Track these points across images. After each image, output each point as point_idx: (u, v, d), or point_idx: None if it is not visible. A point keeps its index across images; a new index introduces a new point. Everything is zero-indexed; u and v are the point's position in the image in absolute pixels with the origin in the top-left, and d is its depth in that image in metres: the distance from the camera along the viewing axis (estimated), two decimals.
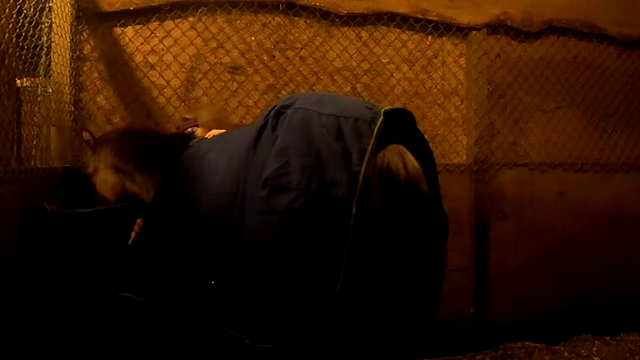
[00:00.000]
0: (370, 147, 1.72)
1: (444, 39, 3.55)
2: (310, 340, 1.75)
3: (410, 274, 1.81)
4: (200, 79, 3.19)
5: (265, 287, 1.80)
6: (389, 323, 1.83)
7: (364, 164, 1.70)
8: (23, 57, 2.36)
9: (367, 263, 1.74)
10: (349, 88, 3.39)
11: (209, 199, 2.07)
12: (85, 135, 2.71)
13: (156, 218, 2.37)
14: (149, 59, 3.12)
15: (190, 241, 2.14)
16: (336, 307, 1.69)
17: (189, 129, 2.77)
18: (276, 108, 1.94)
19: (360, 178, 1.69)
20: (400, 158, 1.77)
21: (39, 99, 2.61)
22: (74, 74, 2.99)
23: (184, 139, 2.59)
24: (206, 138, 2.52)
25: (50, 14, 2.70)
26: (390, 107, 1.85)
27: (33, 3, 2.44)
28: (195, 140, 2.50)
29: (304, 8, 3.27)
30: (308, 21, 3.32)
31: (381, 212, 1.75)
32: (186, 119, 2.84)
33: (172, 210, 2.26)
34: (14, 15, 2.09)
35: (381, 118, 1.77)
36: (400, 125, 1.88)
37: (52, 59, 2.75)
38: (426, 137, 1.98)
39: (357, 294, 1.74)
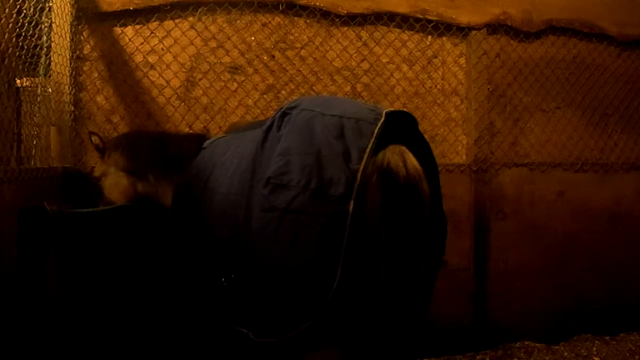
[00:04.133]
0: (369, 146, 1.75)
1: (444, 38, 3.55)
2: (310, 334, 1.78)
3: (405, 272, 1.82)
4: (200, 79, 3.19)
5: (268, 283, 1.83)
6: (384, 322, 1.84)
7: (363, 162, 1.73)
8: (23, 57, 2.36)
9: (365, 260, 1.76)
10: (348, 88, 3.39)
11: (220, 199, 2.11)
12: (95, 139, 2.71)
13: (174, 219, 2.42)
14: (148, 58, 3.12)
15: (204, 241, 2.17)
16: (334, 302, 1.72)
17: None
18: (282, 110, 1.99)
19: (359, 176, 1.72)
20: (400, 157, 1.79)
21: (39, 98, 2.61)
22: (73, 73, 2.99)
23: (199, 139, 2.61)
24: (220, 138, 2.54)
25: (50, 14, 2.71)
26: (393, 109, 1.88)
27: (33, 3, 2.45)
28: (209, 141, 2.53)
29: (303, 8, 3.27)
30: (308, 21, 3.32)
31: (380, 209, 1.76)
32: None
33: (189, 212, 2.30)
34: (14, 15, 2.10)
35: (382, 119, 1.80)
36: (403, 127, 1.91)
37: (52, 59, 2.76)
38: (426, 137, 2.01)
39: (355, 290, 1.76)
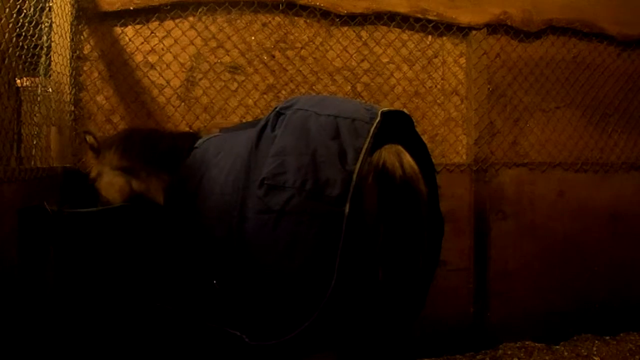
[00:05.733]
0: (365, 146, 1.74)
1: (444, 38, 3.55)
2: (307, 337, 1.76)
3: (403, 273, 1.81)
4: (200, 79, 3.18)
5: (263, 286, 1.82)
6: (380, 321, 1.83)
7: (359, 163, 1.72)
8: (23, 56, 2.36)
9: (361, 261, 1.75)
10: (349, 88, 3.39)
11: (214, 200, 2.09)
12: (89, 138, 2.70)
13: (167, 220, 2.40)
14: (149, 58, 3.12)
15: (198, 242, 2.15)
16: (331, 304, 1.70)
17: None
18: (277, 109, 1.97)
19: (354, 177, 1.70)
20: (396, 157, 1.78)
21: (39, 98, 2.61)
22: (74, 73, 2.99)
23: (192, 137, 2.59)
24: (213, 137, 2.52)
25: (50, 14, 2.70)
26: (389, 108, 1.87)
27: (33, 3, 2.44)
28: (202, 140, 2.51)
29: (304, 8, 3.27)
30: (308, 21, 3.32)
31: (377, 210, 1.76)
32: None
33: (182, 212, 2.28)
34: (14, 15, 2.09)
35: (378, 119, 1.79)
36: (399, 127, 1.90)
37: (52, 59, 2.75)
38: (426, 136, 2.01)
39: (352, 292, 1.75)
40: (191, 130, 3.02)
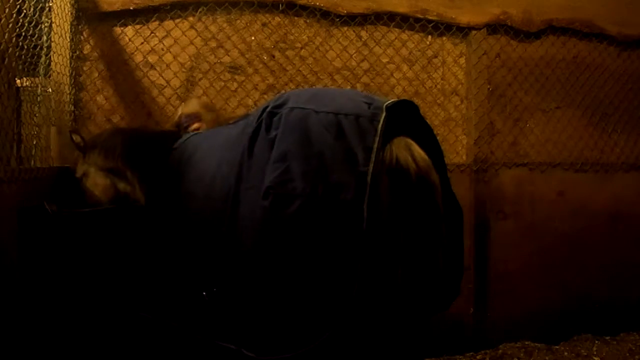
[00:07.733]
0: (375, 145, 1.64)
1: (444, 38, 3.54)
2: (327, 348, 1.67)
3: (424, 271, 1.74)
4: (200, 79, 3.18)
5: (276, 297, 1.72)
6: (405, 320, 1.76)
7: (371, 164, 1.62)
8: (23, 57, 2.36)
9: (383, 263, 1.67)
10: (348, 88, 3.39)
11: (199, 205, 2.00)
12: (76, 137, 2.62)
13: (150, 224, 2.31)
14: (148, 58, 3.12)
15: (185, 247, 2.06)
16: (353, 312, 1.61)
17: (193, 125, 2.73)
18: (268, 109, 1.85)
19: (369, 178, 1.61)
20: (408, 152, 1.71)
21: (39, 98, 2.61)
22: (73, 73, 2.99)
23: (176, 136, 2.54)
24: (193, 135, 2.47)
25: (50, 14, 2.71)
26: (391, 100, 1.78)
27: (33, 3, 2.45)
28: (180, 140, 2.43)
29: (303, 8, 3.27)
30: (308, 21, 3.32)
31: (394, 208, 1.68)
32: (188, 115, 2.80)
33: (165, 216, 2.19)
34: (14, 15, 2.10)
35: (384, 114, 1.69)
36: (404, 117, 1.81)
37: (52, 59, 2.76)
38: None
39: (374, 297, 1.67)
40: (173, 130, 2.97)
